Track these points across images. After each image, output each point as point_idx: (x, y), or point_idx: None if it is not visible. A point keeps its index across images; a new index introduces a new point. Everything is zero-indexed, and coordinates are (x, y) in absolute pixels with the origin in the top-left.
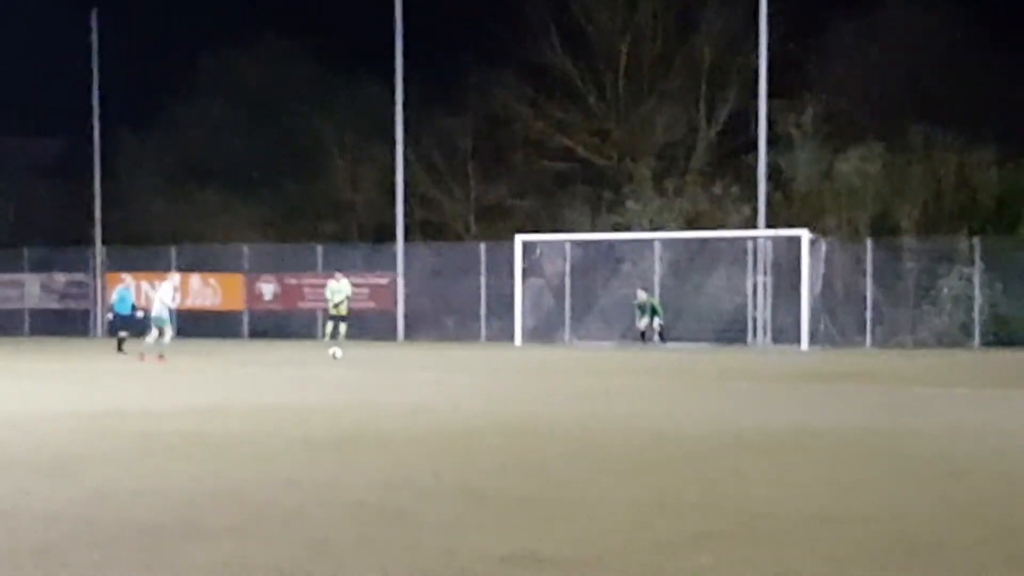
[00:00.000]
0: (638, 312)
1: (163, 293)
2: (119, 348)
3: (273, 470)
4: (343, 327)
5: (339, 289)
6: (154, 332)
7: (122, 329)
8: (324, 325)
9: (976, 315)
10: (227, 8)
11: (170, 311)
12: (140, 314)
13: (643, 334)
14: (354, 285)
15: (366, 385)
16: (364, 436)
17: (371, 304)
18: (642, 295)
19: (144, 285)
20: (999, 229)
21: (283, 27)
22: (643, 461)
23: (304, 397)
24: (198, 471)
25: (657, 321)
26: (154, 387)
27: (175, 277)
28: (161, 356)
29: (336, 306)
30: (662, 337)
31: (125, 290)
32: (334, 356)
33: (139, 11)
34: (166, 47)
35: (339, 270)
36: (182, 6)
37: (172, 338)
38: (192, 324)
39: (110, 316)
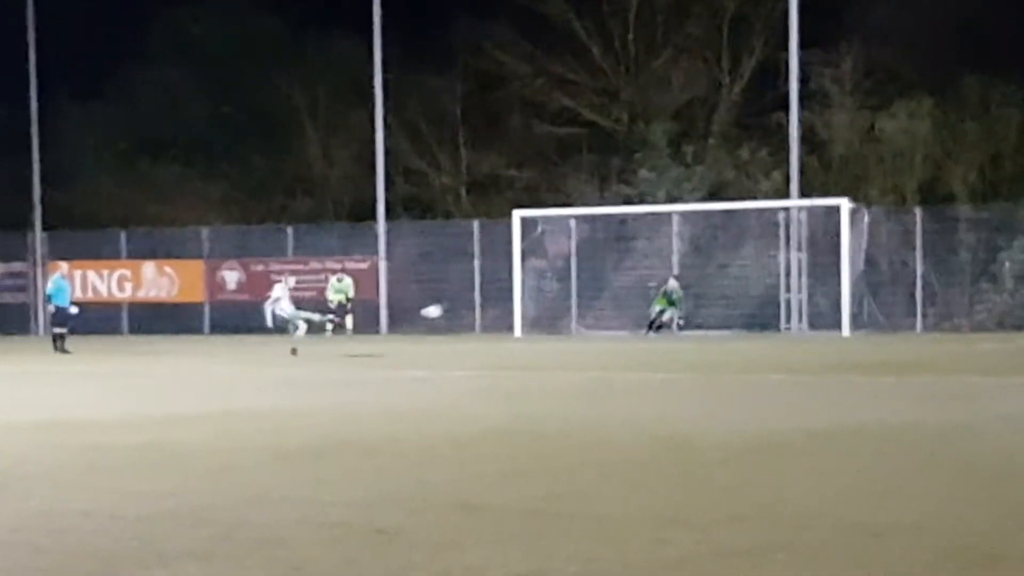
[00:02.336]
0: (665, 303)
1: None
2: (56, 347)
3: (241, 486)
4: (348, 320)
5: (341, 289)
6: (301, 325)
7: (61, 325)
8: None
9: None
10: None
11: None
12: (75, 309)
13: (653, 323)
14: (330, 271)
15: (346, 386)
16: (344, 445)
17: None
18: (674, 283)
19: (91, 275)
20: None
21: None
22: (661, 468)
23: (276, 401)
24: (156, 488)
25: (675, 312)
26: (103, 393)
27: (289, 280)
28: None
29: (340, 304)
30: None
31: (62, 279)
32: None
33: None
34: (111, 4)
35: (341, 268)
36: None
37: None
38: (146, 318)
39: (51, 309)
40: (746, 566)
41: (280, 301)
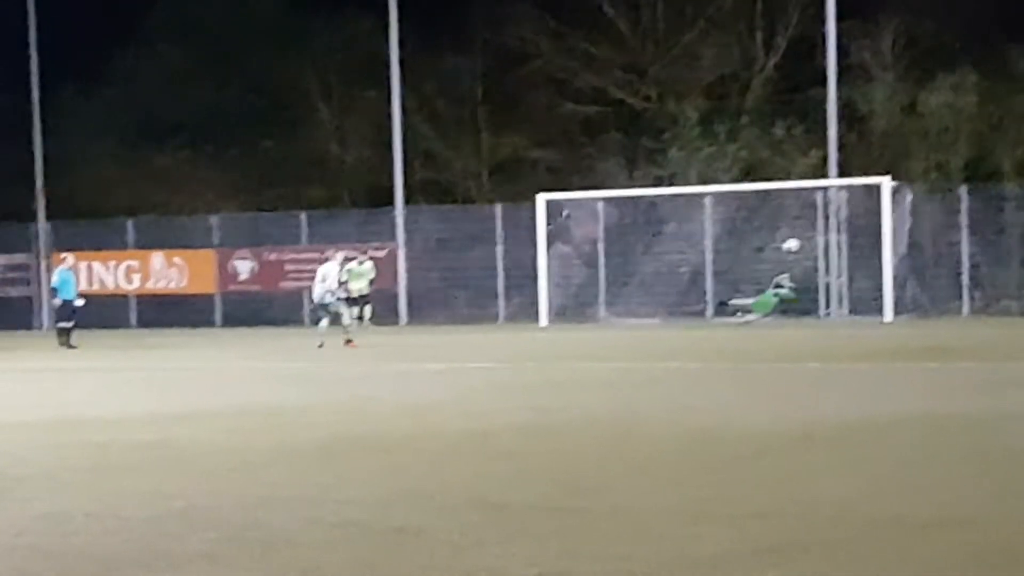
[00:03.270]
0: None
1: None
2: (61, 342)
3: (252, 485)
4: (367, 310)
5: (361, 272)
6: (346, 315)
7: (67, 319)
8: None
9: None
10: None
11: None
12: (81, 302)
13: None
14: (347, 260)
15: (362, 380)
16: (359, 441)
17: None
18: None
19: (96, 267)
20: None
21: None
22: (692, 462)
23: (289, 396)
24: (163, 489)
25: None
26: (110, 389)
27: (338, 256)
28: (349, 340)
29: (360, 291)
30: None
31: (67, 271)
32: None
33: None
34: None
35: (357, 251)
36: None
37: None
38: (155, 311)
39: (57, 302)
40: (781, 562)
41: (329, 282)
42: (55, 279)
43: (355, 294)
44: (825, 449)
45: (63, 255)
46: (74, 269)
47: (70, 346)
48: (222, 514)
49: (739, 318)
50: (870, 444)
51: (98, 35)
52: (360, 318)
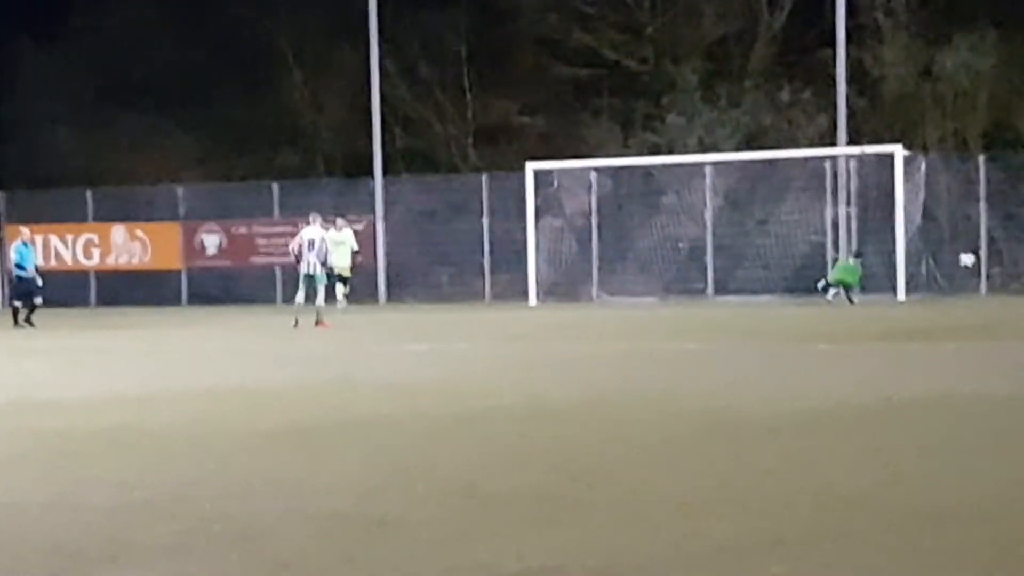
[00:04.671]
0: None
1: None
2: (17, 321)
3: (222, 472)
4: (341, 290)
5: (340, 240)
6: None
7: (25, 296)
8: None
9: None
10: None
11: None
12: (40, 281)
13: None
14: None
15: (339, 360)
16: (337, 426)
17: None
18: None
19: (54, 240)
20: None
21: None
22: (694, 448)
23: (261, 378)
24: (127, 476)
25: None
26: (69, 370)
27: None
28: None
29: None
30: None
31: (24, 246)
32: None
33: None
34: None
35: (339, 215)
36: None
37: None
38: (117, 287)
39: (26, 274)
40: (790, 558)
41: (318, 250)
42: (12, 255)
43: (336, 270)
44: (836, 434)
45: (19, 228)
46: (31, 243)
47: (30, 324)
48: (190, 504)
49: (832, 296)
50: (884, 429)
51: None
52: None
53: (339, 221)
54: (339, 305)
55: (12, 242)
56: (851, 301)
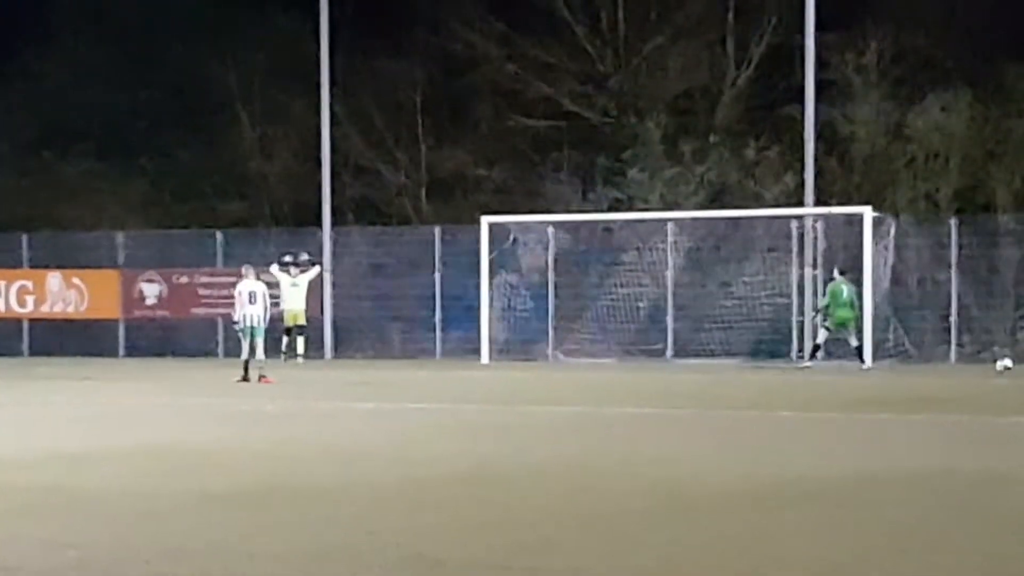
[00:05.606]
0: (831, 311)
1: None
2: None
3: (159, 535)
4: (301, 341)
5: (296, 282)
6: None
7: None
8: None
9: None
10: None
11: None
12: None
13: (817, 347)
14: (268, 285)
15: (284, 420)
16: (280, 489)
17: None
18: (841, 282)
19: None
20: None
21: None
22: (653, 517)
23: (202, 437)
24: (59, 537)
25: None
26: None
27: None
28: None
29: (294, 313)
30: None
31: None
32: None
33: None
34: None
35: (292, 261)
36: None
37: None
38: (51, 338)
39: None
40: None
41: (257, 298)
42: None
43: (289, 321)
44: (801, 507)
45: None
46: None
47: None
48: (126, 567)
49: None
50: (850, 503)
51: None
52: (293, 351)
53: (293, 269)
54: (299, 360)
55: None
56: (860, 357)
